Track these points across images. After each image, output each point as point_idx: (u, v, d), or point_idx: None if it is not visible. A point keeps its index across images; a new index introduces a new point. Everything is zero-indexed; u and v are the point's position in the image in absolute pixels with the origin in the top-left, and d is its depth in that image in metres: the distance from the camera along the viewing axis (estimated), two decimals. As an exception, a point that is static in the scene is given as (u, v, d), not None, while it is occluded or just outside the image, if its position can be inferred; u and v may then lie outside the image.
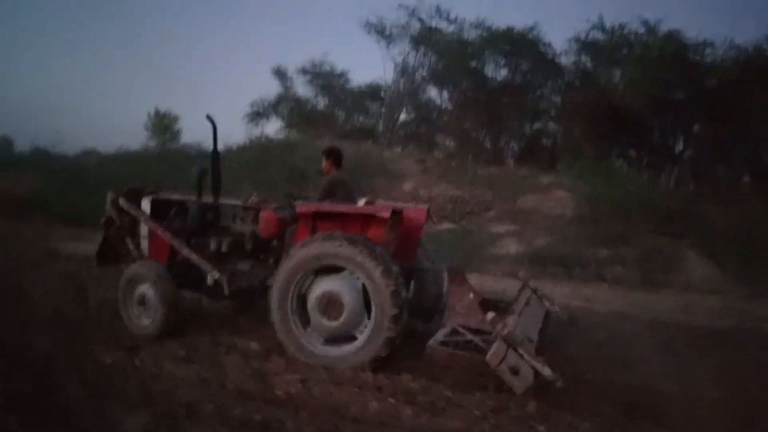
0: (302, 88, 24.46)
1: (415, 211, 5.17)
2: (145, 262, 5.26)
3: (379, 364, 4.15)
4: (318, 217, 4.65)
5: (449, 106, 23.29)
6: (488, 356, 3.52)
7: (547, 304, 5.27)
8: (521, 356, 3.56)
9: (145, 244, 5.51)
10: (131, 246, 5.54)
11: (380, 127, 24.26)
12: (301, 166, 15.69)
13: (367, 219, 4.55)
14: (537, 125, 22.24)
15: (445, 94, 23.31)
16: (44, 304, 5.70)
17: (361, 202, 4.89)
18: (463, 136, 22.23)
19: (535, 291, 5.30)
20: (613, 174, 14.93)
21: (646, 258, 9.95)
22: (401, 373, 4.10)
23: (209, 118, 5.27)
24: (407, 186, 15.96)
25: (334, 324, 4.31)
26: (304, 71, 23.93)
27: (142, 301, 4.96)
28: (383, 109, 24.36)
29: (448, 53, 21.27)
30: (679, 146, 19.61)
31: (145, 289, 4.93)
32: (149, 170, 16.82)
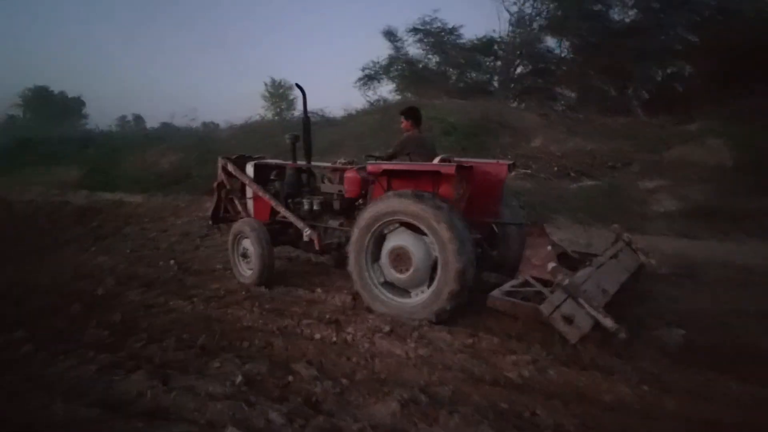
0: (413, 48, 23.79)
1: (495, 166, 5.19)
2: (247, 220, 5.70)
3: (446, 317, 4.21)
4: (392, 176, 4.77)
5: (569, 56, 21.64)
6: (542, 305, 3.48)
7: (642, 257, 5.18)
8: (582, 306, 3.50)
9: (250, 204, 6.07)
10: (239, 207, 6.11)
11: (495, 82, 23.15)
12: (426, 126, 15.19)
13: (437, 176, 4.56)
14: (670, 70, 20.09)
15: (565, 43, 21.62)
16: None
17: (437, 160, 4.78)
18: (585, 86, 20.68)
19: (629, 243, 5.25)
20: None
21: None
22: (637, 354, 3.60)
23: (299, 87, 5.54)
24: (536, 142, 15.02)
25: (403, 276, 4.46)
26: (414, 30, 23.17)
27: (245, 254, 5.53)
28: (497, 64, 23.19)
29: (568, -2, 19.67)
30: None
31: (247, 243, 5.46)
32: (274, 139, 17.19)
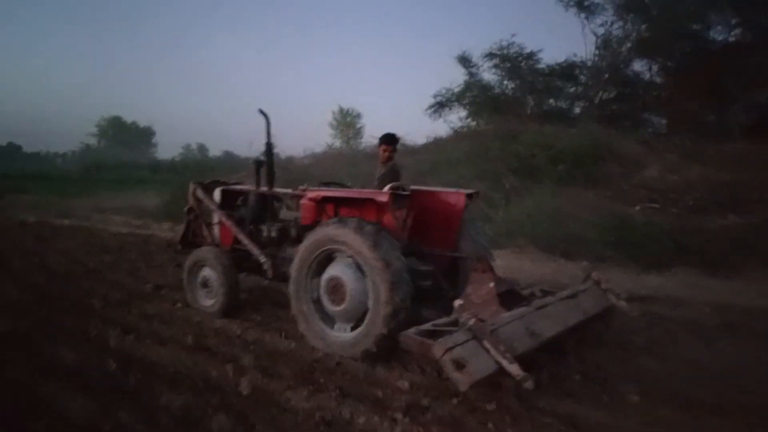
0: (488, 74, 22.15)
1: (453, 195, 4.87)
2: (207, 248, 5.48)
3: (373, 358, 3.91)
4: (339, 204, 4.58)
5: (658, 79, 19.59)
6: (433, 346, 2.97)
7: (612, 298, 4.61)
8: (487, 350, 3.05)
9: (217, 230, 5.75)
10: (207, 232, 5.81)
11: (576, 108, 21.25)
12: (526, 153, 13.39)
13: (380, 204, 4.25)
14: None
15: (654, 66, 19.61)
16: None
17: (387, 188, 4.45)
18: (678, 110, 18.54)
19: (597, 283, 4.70)
20: None
21: None
22: None
23: (262, 112, 5.21)
24: (651, 171, 13.00)
25: (339, 308, 4.17)
26: (490, 55, 21.56)
27: (206, 283, 5.29)
28: (575, 89, 21.30)
29: (662, 18, 17.70)
30: None
31: (208, 272, 5.25)
32: (356, 168, 15.78)
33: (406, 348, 3.28)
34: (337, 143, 25.05)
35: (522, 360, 3.09)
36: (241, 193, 5.81)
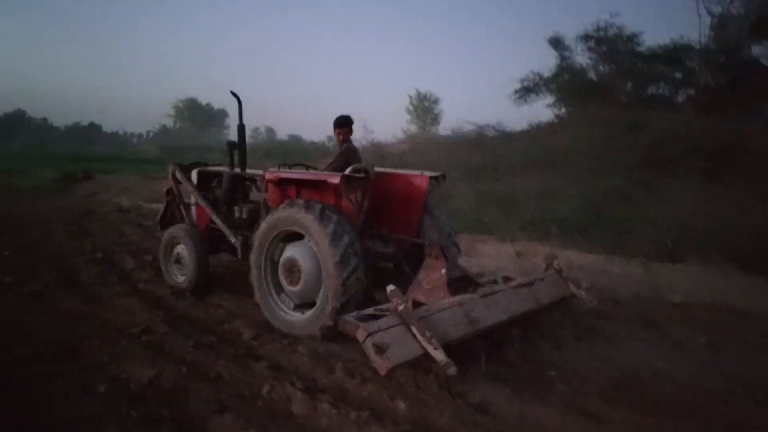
0: (581, 58, 20.21)
1: (417, 178, 4.79)
2: (181, 225, 5.54)
3: (332, 334, 3.83)
4: (300, 186, 4.51)
5: (782, 63, 17.17)
6: (357, 330, 2.94)
7: (572, 287, 4.45)
8: (414, 336, 3.02)
9: (194, 211, 5.72)
10: (184, 212, 5.72)
11: (680, 95, 19.06)
12: (656, 144, 11.64)
13: (334, 187, 4.17)
14: None
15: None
16: None
17: (348, 170, 4.40)
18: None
19: (559, 272, 4.55)
20: None
21: None
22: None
23: (234, 94, 5.30)
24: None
25: (294, 289, 4.19)
26: (586, 38, 19.62)
27: (179, 259, 5.41)
28: (681, 74, 19.09)
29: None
30: None
31: (181, 249, 5.37)
32: (451, 153, 14.39)
33: (343, 331, 3.16)
34: (413, 128, 23.60)
35: (458, 346, 3.15)
36: (216, 174, 5.84)
